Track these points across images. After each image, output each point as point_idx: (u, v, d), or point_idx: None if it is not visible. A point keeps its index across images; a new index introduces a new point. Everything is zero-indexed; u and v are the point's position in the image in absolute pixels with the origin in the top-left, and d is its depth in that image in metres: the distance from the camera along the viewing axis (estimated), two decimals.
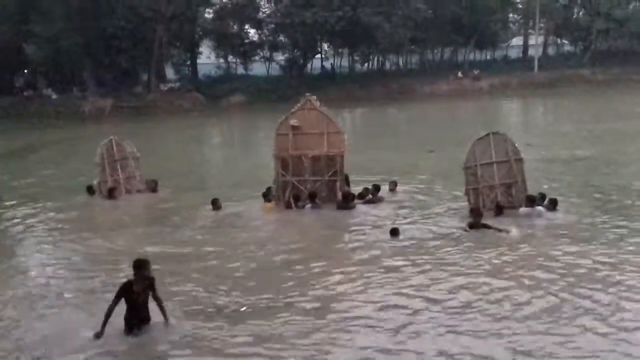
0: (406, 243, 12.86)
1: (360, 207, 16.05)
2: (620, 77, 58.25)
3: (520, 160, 15.26)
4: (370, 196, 16.55)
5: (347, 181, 16.93)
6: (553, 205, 14.71)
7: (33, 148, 35.95)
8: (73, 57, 54.75)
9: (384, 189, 17.33)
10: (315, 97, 16.76)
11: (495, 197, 15.02)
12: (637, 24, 61.15)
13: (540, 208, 14.53)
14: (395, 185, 17.78)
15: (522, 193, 15.01)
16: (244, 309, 9.60)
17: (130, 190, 19.25)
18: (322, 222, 15.23)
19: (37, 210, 17.99)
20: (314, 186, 16.41)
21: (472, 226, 13.36)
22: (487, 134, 15.44)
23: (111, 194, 18.67)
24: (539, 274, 10.70)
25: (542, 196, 14.99)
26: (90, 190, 19.15)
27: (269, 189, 16.84)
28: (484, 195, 15.16)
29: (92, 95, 53.06)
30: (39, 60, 56.03)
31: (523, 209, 14.51)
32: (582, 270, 10.83)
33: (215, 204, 16.60)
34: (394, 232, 13.24)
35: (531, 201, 14.51)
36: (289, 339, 8.60)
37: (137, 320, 8.78)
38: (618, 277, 10.42)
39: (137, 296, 8.67)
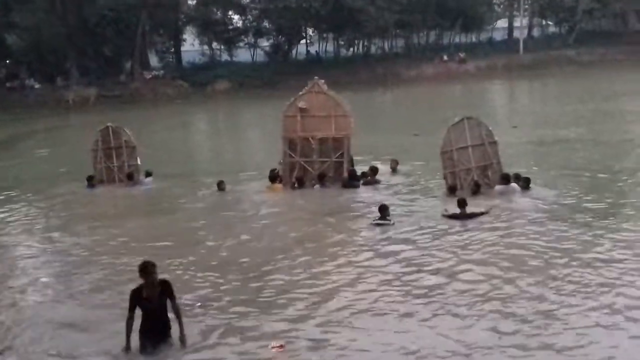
0: (393, 230, 12.81)
1: (361, 189, 16.37)
2: (605, 58, 58.39)
3: (494, 143, 15.59)
4: (368, 178, 16.81)
5: (351, 163, 17.27)
6: (526, 184, 15.02)
7: (17, 139, 35.62)
8: (55, 46, 54.16)
9: (382, 169, 17.58)
10: (323, 80, 17.14)
11: (472, 180, 15.30)
12: (620, 4, 61.18)
13: (514, 185, 14.92)
14: (397, 164, 18.11)
15: (498, 174, 15.32)
16: (198, 304, 9.40)
17: (123, 179, 19.02)
18: (320, 206, 15.29)
19: (23, 202, 17.82)
20: (322, 167, 16.78)
21: (456, 216, 13.18)
22: (462, 119, 15.80)
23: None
24: (511, 259, 10.66)
25: (517, 176, 15.29)
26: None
27: (273, 170, 17.08)
28: (461, 179, 15.50)
29: (76, 85, 52.52)
30: (21, 50, 55.40)
31: (498, 187, 14.92)
32: (554, 254, 10.73)
33: (220, 186, 17.02)
34: (383, 209, 13.16)
35: (505, 179, 14.90)
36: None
37: (151, 334, 7.90)
38: (586, 258, 10.42)
39: (149, 303, 7.83)
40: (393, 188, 16.49)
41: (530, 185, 15.02)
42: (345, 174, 16.64)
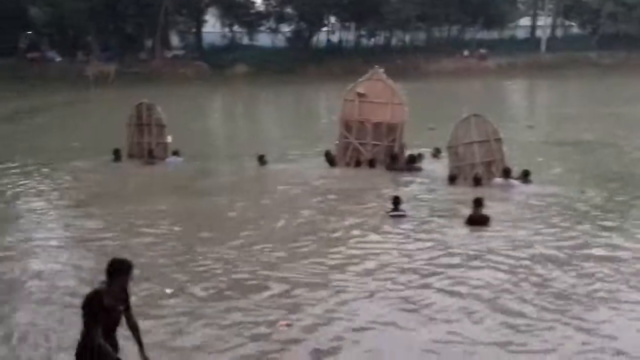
0: (405, 221, 12.89)
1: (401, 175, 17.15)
2: (627, 62, 57.94)
3: (499, 140, 16.15)
4: (413, 164, 17.66)
5: (402, 149, 18.15)
6: (526, 176, 15.50)
7: (37, 110, 35.94)
8: (77, 21, 54.50)
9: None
10: (382, 69, 18.36)
11: (477, 174, 15.82)
12: None
13: (513, 180, 15.45)
14: (438, 151, 18.69)
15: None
16: (169, 291, 9.34)
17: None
18: (349, 188, 15.83)
19: (41, 174, 18.09)
20: (374, 150, 17.97)
21: (471, 218, 12.68)
22: (469, 116, 16.40)
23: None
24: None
25: (526, 172, 15.68)
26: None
27: (327, 152, 18.35)
28: (466, 173, 16.11)
29: (97, 60, 52.89)
30: (43, 22, 55.77)
31: (498, 180, 15.59)
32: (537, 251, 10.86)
33: (261, 160, 18.20)
34: (395, 201, 13.29)
35: (506, 173, 15.47)
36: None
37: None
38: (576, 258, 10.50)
39: (108, 316, 5.95)
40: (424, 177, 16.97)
41: (530, 179, 15.48)
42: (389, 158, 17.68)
